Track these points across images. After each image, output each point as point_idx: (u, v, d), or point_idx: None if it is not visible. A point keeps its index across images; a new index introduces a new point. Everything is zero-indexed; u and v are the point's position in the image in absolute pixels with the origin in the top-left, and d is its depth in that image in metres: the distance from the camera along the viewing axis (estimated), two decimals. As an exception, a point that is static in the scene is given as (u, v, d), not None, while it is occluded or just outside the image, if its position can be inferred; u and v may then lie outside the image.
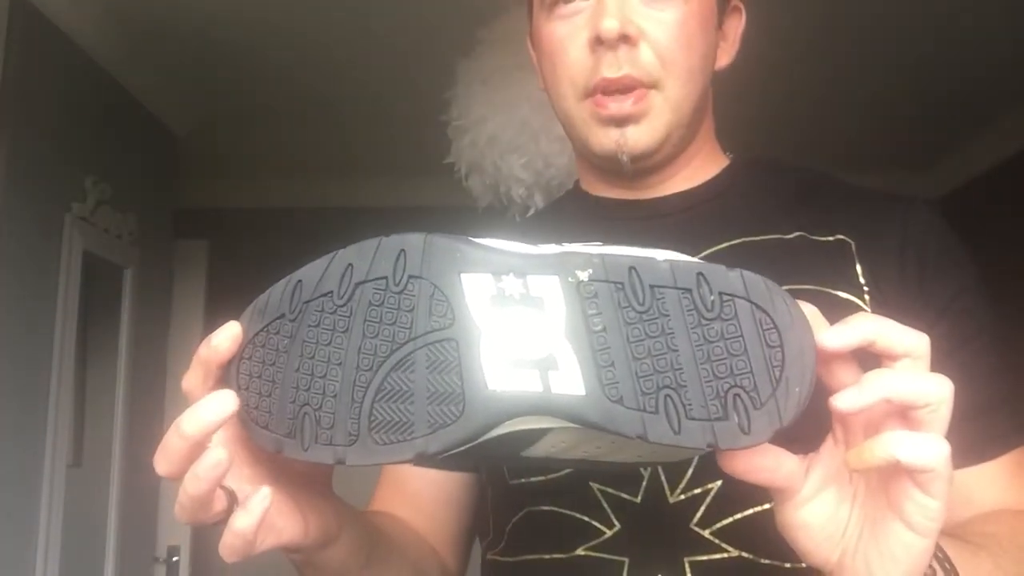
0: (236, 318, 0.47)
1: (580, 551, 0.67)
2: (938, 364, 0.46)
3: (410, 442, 0.44)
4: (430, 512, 0.78)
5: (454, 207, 2.91)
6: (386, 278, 0.44)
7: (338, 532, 0.56)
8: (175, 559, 3.12)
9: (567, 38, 0.72)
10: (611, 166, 0.75)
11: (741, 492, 0.61)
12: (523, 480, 0.71)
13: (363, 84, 2.85)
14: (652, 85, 0.70)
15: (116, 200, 2.56)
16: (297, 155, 3.54)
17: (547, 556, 0.69)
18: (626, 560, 0.66)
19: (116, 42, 2.49)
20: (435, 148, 2.22)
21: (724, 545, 0.64)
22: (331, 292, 0.45)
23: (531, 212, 2.04)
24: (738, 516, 0.64)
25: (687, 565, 0.65)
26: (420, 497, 0.78)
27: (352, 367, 0.44)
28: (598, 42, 0.70)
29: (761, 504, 0.64)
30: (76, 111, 2.39)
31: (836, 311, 0.54)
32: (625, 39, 0.69)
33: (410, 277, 0.44)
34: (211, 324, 3.34)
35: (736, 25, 0.79)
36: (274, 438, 0.45)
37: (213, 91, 2.91)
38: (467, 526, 0.80)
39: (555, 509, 0.69)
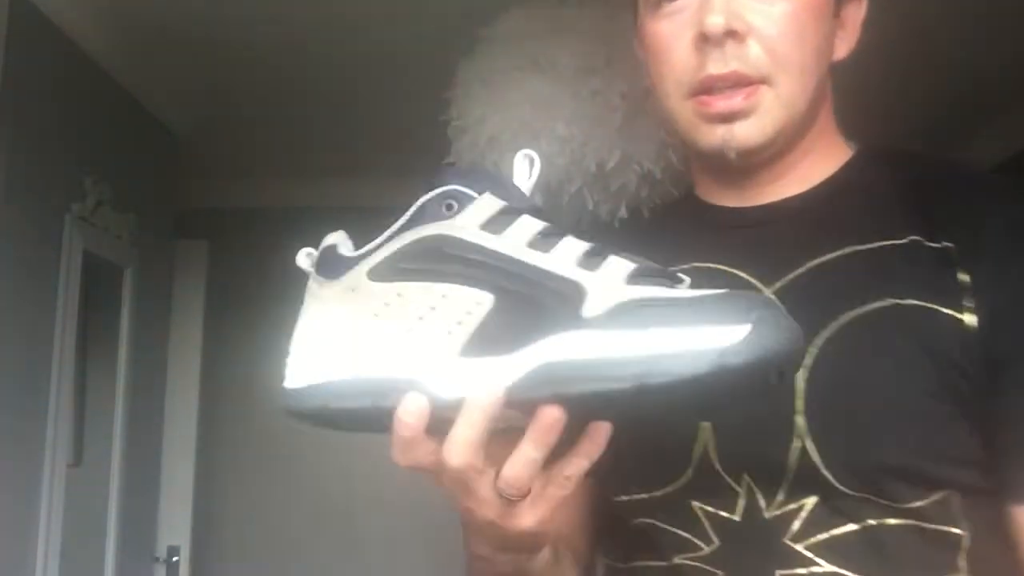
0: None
1: (677, 559, 0.69)
2: None
3: None
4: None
5: (454, 207, 2.88)
6: None
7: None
8: (175, 559, 3.11)
9: (672, 37, 0.70)
10: (718, 162, 0.73)
11: (839, 508, 0.63)
12: (626, 497, 0.73)
13: (363, 84, 2.85)
14: (762, 81, 0.68)
15: (116, 200, 2.56)
16: (297, 155, 3.53)
17: (652, 564, 0.71)
18: (720, 573, 0.67)
19: (116, 42, 2.49)
20: (435, 148, 2.21)
21: (817, 559, 0.64)
22: None
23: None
24: (835, 532, 0.64)
25: None
26: None
27: None
28: (704, 39, 0.67)
29: (860, 521, 0.63)
30: (76, 111, 2.39)
31: (936, 326, 0.60)
32: (732, 35, 0.67)
33: None
34: (211, 324, 3.33)
35: (856, 12, 0.76)
36: None
37: (213, 91, 2.91)
38: (589, 520, 0.82)
39: (656, 523, 0.71)
